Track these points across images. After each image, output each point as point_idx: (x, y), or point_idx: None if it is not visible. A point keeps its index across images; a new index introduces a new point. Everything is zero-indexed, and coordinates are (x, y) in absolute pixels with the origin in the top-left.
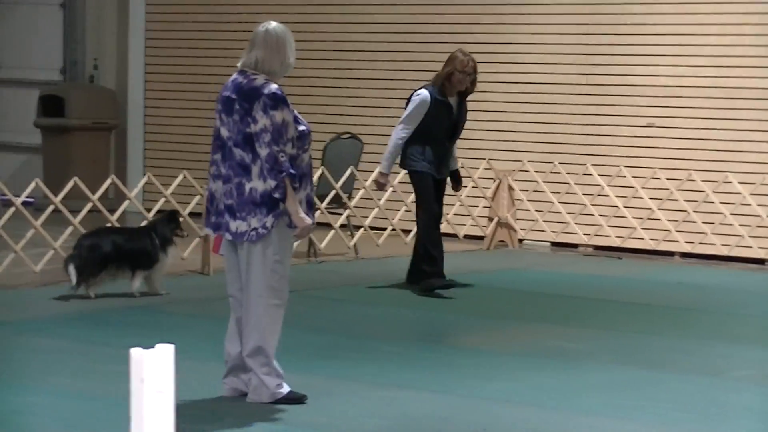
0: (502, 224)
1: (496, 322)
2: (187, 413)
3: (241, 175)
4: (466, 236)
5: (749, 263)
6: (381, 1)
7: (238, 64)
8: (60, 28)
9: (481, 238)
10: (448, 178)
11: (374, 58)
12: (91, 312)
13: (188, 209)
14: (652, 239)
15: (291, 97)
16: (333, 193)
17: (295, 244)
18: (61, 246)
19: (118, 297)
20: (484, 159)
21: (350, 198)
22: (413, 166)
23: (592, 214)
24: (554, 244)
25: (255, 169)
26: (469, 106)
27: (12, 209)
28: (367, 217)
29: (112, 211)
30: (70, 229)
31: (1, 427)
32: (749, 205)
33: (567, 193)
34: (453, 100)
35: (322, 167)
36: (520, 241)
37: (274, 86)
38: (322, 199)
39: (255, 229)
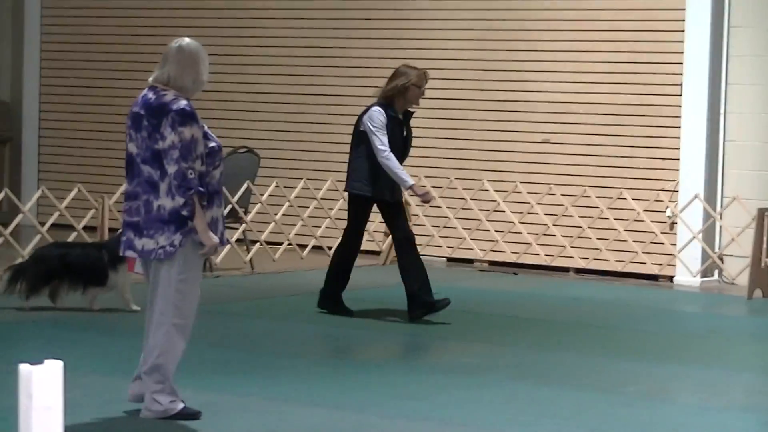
0: None
1: (391, 337)
2: (79, 430)
3: (149, 192)
4: (362, 251)
5: (643, 279)
6: (274, 15)
7: (150, 80)
8: None
9: (377, 253)
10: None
11: (269, 72)
12: None
13: (83, 223)
14: (547, 255)
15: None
16: (229, 207)
17: None
18: None
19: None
20: None
21: (246, 212)
22: (359, 190)
23: (487, 230)
24: (450, 259)
25: (163, 186)
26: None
27: None
28: (263, 231)
29: (5, 225)
30: None
31: None
32: (643, 221)
33: (463, 208)
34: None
35: None
36: None
37: (183, 102)
38: None
39: (163, 247)
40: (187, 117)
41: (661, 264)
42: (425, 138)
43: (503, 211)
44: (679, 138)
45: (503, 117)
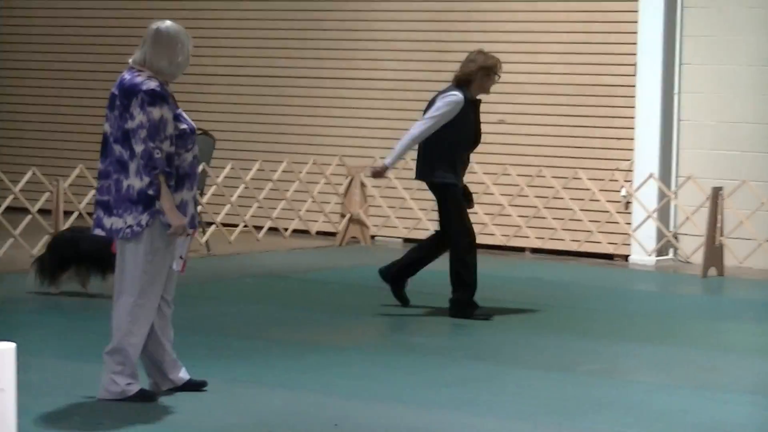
0: (355, 220)
1: (347, 318)
2: (35, 411)
3: (119, 171)
4: (319, 233)
5: (598, 258)
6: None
7: (129, 61)
8: None
9: (333, 234)
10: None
11: (223, 54)
12: None
13: (37, 206)
14: (503, 235)
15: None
16: None
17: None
18: None
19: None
20: (336, 155)
21: (202, 194)
22: (443, 178)
23: None
24: (406, 240)
25: (132, 166)
26: (319, 102)
27: None
28: (219, 213)
29: None
30: None
31: None
32: (598, 201)
33: (419, 189)
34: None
35: None
36: (373, 237)
37: (154, 83)
38: None
39: (130, 226)
40: (157, 97)
41: (616, 243)
42: (381, 119)
43: None
44: (633, 118)
45: None
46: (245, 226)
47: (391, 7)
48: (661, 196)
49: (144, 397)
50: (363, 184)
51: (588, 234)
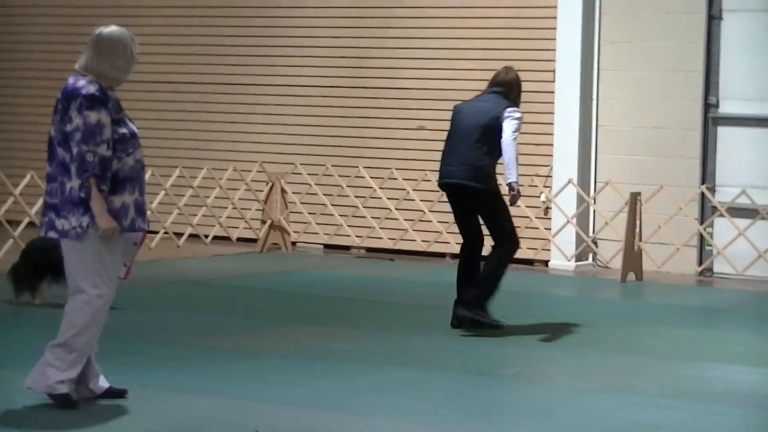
0: (276, 227)
1: (268, 324)
2: None
3: (63, 174)
4: (239, 239)
5: (519, 264)
6: (148, 3)
7: (76, 66)
8: None
9: (254, 240)
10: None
11: (143, 60)
12: None
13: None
14: (423, 241)
15: None
16: None
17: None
18: None
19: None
20: (257, 162)
21: None
22: (495, 187)
23: (364, 217)
24: (327, 246)
25: (74, 169)
26: (240, 108)
27: None
28: None
29: None
30: None
31: None
32: (518, 206)
33: (339, 195)
34: None
35: None
36: (294, 243)
37: (93, 87)
38: None
39: (74, 227)
40: (95, 102)
41: (536, 249)
42: (300, 126)
43: (379, 198)
44: (552, 124)
45: (378, 104)
46: (165, 232)
47: (311, 13)
48: (580, 201)
49: (66, 402)
50: (284, 191)
51: None
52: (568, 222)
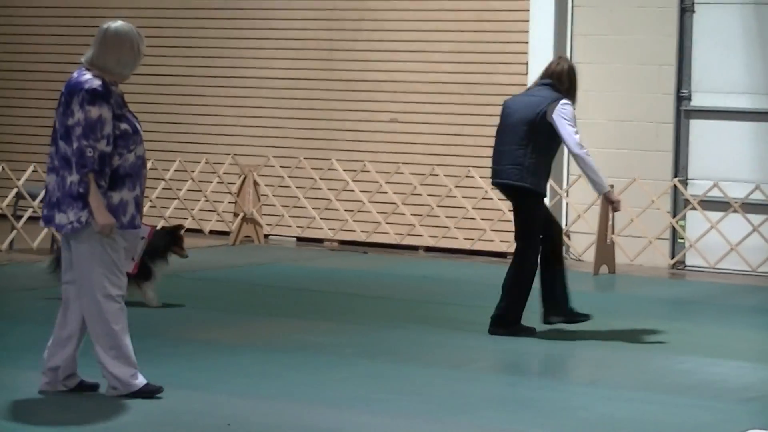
0: (248, 220)
1: (240, 317)
2: None
3: (65, 167)
4: (212, 232)
5: (491, 257)
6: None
7: (82, 59)
8: None
9: (227, 233)
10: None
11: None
12: None
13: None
14: (396, 233)
15: None
16: None
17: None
18: None
19: None
20: (229, 154)
21: None
22: (539, 187)
23: (337, 209)
24: (300, 239)
25: (74, 163)
26: (211, 101)
27: None
28: None
29: None
30: None
31: None
32: (491, 199)
33: (312, 188)
34: None
35: None
36: (266, 236)
37: (96, 82)
38: None
39: (71, 222)
40: (97, 96)
41: (509, 242)
42: (272, 118)
43: (352, 191)
44: None
45: (350, 97)
46: None
47: (282, 5)
48: (553, 194)
49: (151, 390)
50: (256, 183)
51: (481, 233)
52: None
